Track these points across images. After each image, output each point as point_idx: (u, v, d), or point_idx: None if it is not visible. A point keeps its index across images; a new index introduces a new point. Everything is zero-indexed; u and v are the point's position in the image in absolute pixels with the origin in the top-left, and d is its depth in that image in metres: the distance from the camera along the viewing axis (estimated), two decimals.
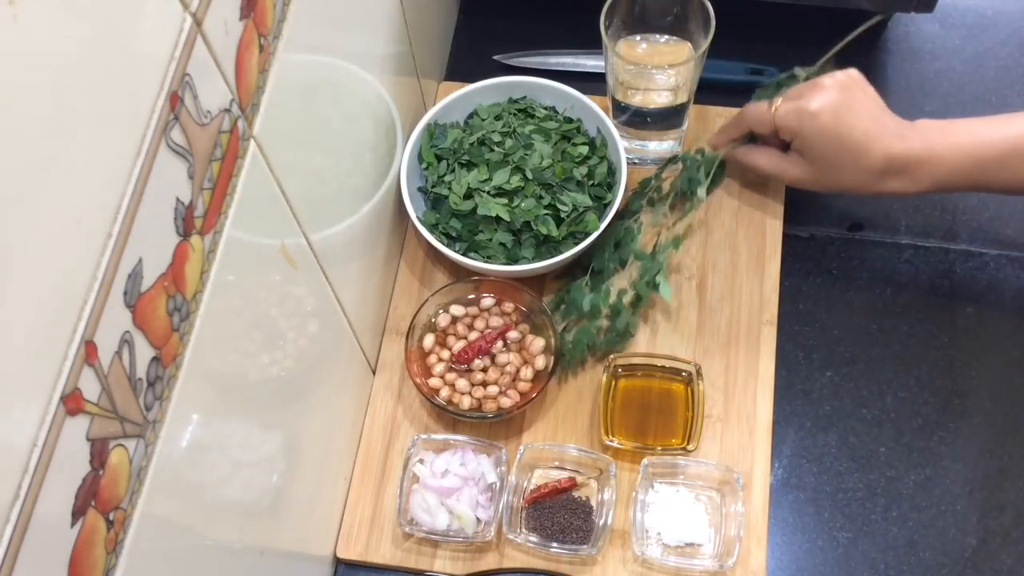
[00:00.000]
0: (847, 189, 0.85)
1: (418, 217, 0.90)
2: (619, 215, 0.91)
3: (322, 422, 0.80)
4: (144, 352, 0.48)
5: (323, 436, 0.81)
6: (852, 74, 0.84)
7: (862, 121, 0.81)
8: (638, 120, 0.93)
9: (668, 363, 0.87)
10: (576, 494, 0.84)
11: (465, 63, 1.07)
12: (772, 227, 0.94)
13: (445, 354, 0.89)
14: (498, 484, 0.83)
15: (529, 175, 0.88)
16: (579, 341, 0.88)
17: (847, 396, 0.89)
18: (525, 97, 0.95)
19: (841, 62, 1.00)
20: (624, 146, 0.91)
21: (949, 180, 0.81)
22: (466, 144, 0.91)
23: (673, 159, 0.95)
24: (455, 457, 0.84)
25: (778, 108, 0.85)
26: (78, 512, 0.44)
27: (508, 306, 0.90)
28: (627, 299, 0.89)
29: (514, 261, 0.89)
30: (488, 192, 0.89)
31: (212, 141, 0.53)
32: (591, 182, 0.90)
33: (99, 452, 0.45)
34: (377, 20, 0.82)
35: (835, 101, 0.82)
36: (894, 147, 0.81)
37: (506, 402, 0.85)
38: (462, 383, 0.87)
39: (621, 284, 0.90)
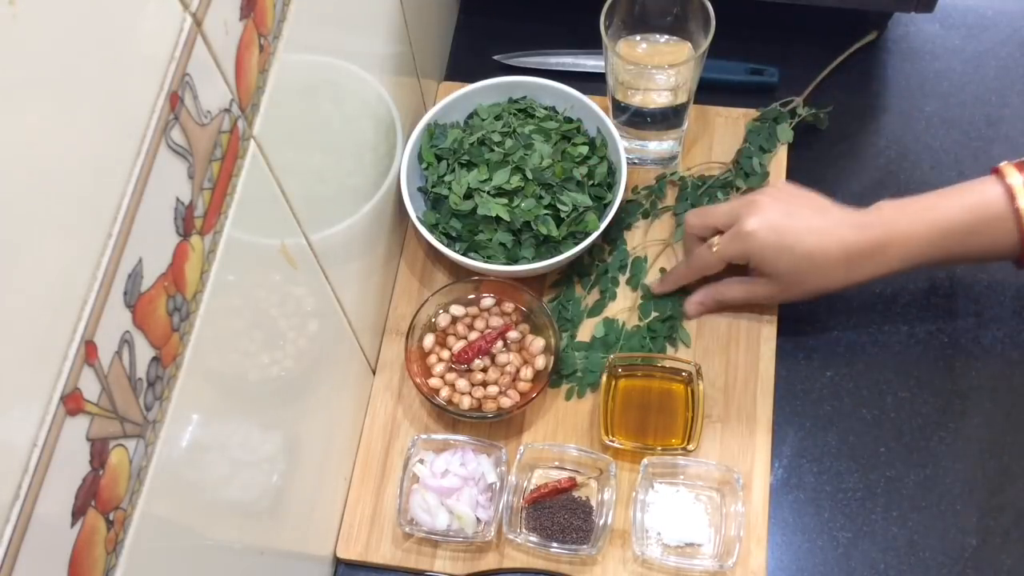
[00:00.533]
0: (822, 291, 0.82)
1: (418, 217, 0.90)
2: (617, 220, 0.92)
3: (322, 422, 0.80)
4: (144, 352, 0.48)
5: (323, 436, 0.81)
6: (781, 185, 0.85)
7: (807, 222, 0.80)
8: (638, 120, 0.93)
9: (668, 363, 0.87)
10: (576, 494, 0.84)
11: (465, 63, 1.07)
12: None
13: (445, 354, 0.89)
14: (498, 484, 0.83)
15: (529, 175, 0.88)
16: (592, 372, 0.89)
17: (847, 396, 0.89)
18: (525, 97, 0.95)
19: (843, 65, 1.01)
20: (624, 146, 0.91)
21: (920, 256, 0.79)
22: (466, 144, 0.91)
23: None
24: (455, 457, 0.84)
25: (717, 246, 0.83)
26: (78, 512, 0.44)
27: (508, 306, 0.90)
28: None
29: (514, 261, 0.89)
30: (488, 192, 0.89)
31: (212, 141, 0.53)
32: (591, 182, 0.90)
33: (99, 452, 0.45)
34: (377, 20, 0.82)
35: (770, 213, 0.80)
36: (849, 238, 0.79)
37: (506, 402, 0.85)
38: (462, 383, 0.87)
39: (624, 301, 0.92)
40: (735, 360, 0.89)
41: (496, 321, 0.89)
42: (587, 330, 0.91)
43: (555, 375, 0.88)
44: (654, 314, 0.90)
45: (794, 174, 0.97)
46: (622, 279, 0.93)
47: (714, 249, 0.84)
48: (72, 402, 0.43)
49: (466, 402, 0.86)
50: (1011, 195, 0.77)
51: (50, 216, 0.41)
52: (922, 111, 1.01)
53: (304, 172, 0.68)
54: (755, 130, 0.97)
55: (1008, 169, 0.78)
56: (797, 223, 0.80)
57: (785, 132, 0.96)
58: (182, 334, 0.52)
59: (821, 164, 0.98)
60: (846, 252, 0.79)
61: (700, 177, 0.96)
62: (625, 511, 0.83)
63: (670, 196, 0.96)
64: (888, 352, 0.90)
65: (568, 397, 0.89)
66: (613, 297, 0.92)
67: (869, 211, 0.81)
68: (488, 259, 0.89)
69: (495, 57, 1.05)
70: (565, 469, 0.85)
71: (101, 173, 0.44)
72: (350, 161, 0.79)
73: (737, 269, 0.86)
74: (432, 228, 0.90)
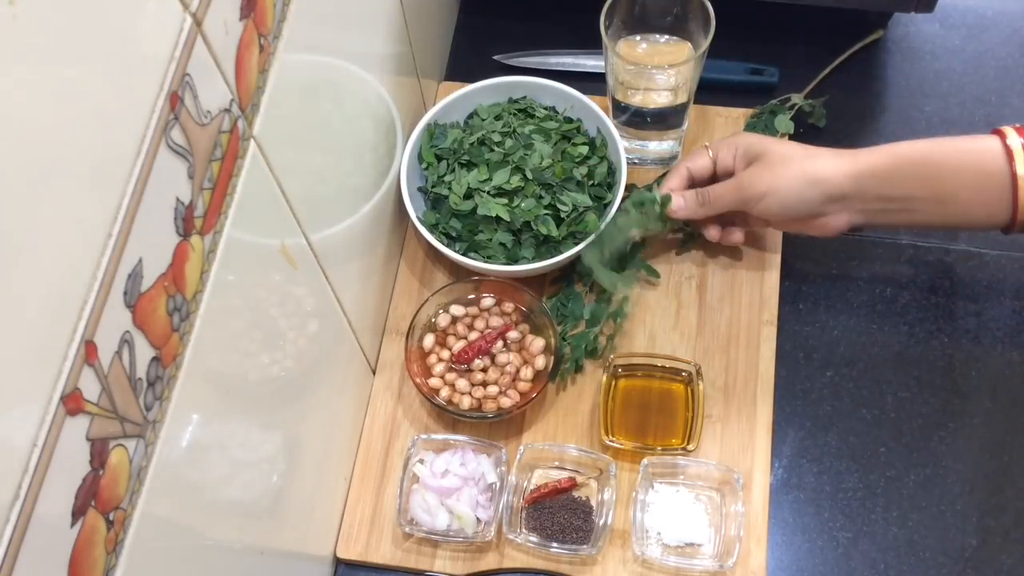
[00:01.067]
0: (806, 195, 0.81)
1: (418, 217, 0.90)
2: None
3: (322, 422, 0.80)
4: (144, 352, 0.48)
5: (323, 436, 0.81)
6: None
7: (790, 147, 0.82)
8: (638, 120, 0.93)
9: (668, 363, 0.87)
10: (576, 494, 0.84)
11: (465, 63, 1.07)
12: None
13: (445, 354, 0.89)
14: (498, 484, 0.83)
15: (529, 175, 0.88)
16: (577, 347, 0.89)
17: (847, 396, 0.89)
18: (525, 97, 0.95)
19: (843, 65, 1.01)
20: (624, 146, 0.91)
21: (894, 198, 0.79)
22: (466, 144, 0.91)
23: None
24: (455, 457, 0.84)
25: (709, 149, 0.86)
26: (78, 512, 0.44)
27: (508, 306, 0.90)
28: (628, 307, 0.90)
29: (514, 261, 0.89)
30: (488, 192, 0.89)
31: (212, 141, 0.53)
32: (591, 182, 0.90)
33: (99, 452, 0.45)
34: (377, 20, 0.82)
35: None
36: (827, 171, 0.80)
37: (506, 402, 0.85)
38: (462, 383, 0.87)
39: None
40: (735, 360, 0.89)
41: (496, 321, 0.89)
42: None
43: (555, 375, 0.88)
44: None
45: None
46: None
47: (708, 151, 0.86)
48: (72, 402, 0.43)
49: (466, 402, 0.86)
50: (1010, 156, 0.75)
51: (50, 216, 0.41)
52: (922, 111, 1.01)
53: (304, 172, 0.68)
54: (753, 125, 0.97)
55: (1008, 130, 0.77)
56: (788, 163, 0.81)
57: (784, 123, 0.96)
58: (182, 334, 0.52)
59: None
60: (821, 188, 0.79)
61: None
62: (625, 511, 0.83)
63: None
64: (888, 352, 0.90)
65: (562, 379, 0.89)
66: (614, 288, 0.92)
67: (861, 150, 0.81)
68: (488, 259, 0.89)
69: (495, 57, 1.05)
70: (565, 469, 0.85)
71: (101, 173, 0.44)
72: (350, 161, 0.79)
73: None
74: (432, 228, 0.90)
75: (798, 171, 0.80)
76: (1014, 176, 0.75)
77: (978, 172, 0.77)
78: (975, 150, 0.77)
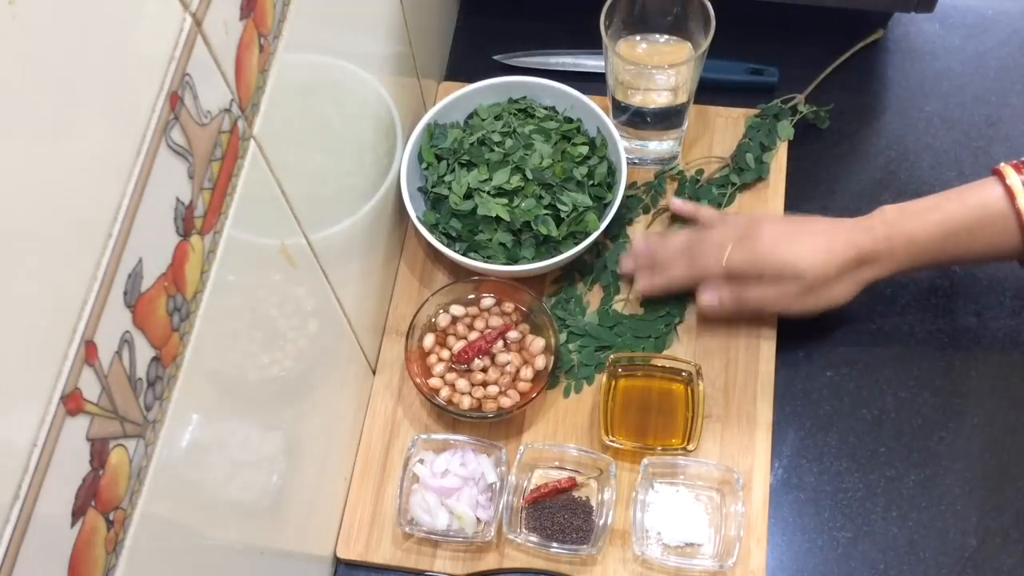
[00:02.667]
0: (833, 298, 0.82)
1: (418, 217, 0.90)
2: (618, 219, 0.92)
3: (322, 422, 0.80)
4: (144, 352, 0.48)
5: (323, 436, 0.81)
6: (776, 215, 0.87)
7: (813, 227, 0.82)
8: (638, 120, 0.93)
9: (668, 363, 0.87)
10: (576, 494, 0.84)
11: (465, 63, 1.07)
12: None
13: (445, 354, 0.89)
14: (498, 484, 0.83)
15: (529, 175, 0.88)
16: (586, 365, 0.89)
17: (847, 396, 0.89)
18: (525, 97, 0.95)
19: (843, 65, 1.01)
20: (624, 146, 0.91)
21: (924, 256, 0.80)
22: (466, 144, 0.91)
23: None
24: (455, 457, 0.84)
25: (727, 253, 0.83)
26: (78, 512, 0.44)
27: (508, 306, 0.90)
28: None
29: (514, 261, 0.89)
30: (488, 192, 0.89)
31: (212, 141, 0.53)
32: (591, 182, 0.90)
33: (99, 452, 0.45)
34: (377, 20, 0.82)
35: (777, 225, 0.83)
36: (857, 238, 0.80)
37: (506, 402, 0.85)
38: (462, 383, 0.86)
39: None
40: (735, 360, 0.89)
41: (496, 321, 0.89)
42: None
43: (555, 375, 0.88)
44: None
45: (794, 173, 0.97)
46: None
47: (725, 255, 0.83)
48: (72, 402, 0.43)
49: (466, 402, 0.86)
50: (1011, 195, 0.78)
51: (50, 216, 0.41)
52: (922, 111, 1.01)
53: (304, 172, 0.68)
54: (755, 126, 0.97)
55: (1007, 170, 0.79)
56: (804, 229, 0.82)
57: (786, 129, 0.96)
58: (182, 334, 0.52)
59: (821, 164, 0.98)
60: (857, 250, 0.80)
61: (699, 171, 0.97)
62: (625, 511, 0.83)
63: (669, 192, 0.96)
64: (888, 352, 0.90)
65: (566, 394, 0.89)
66: (617, 291, 0.92)
67: (872, 215, 0.82)
68: (488, 259, 0.89)
69: (495, 57, 1.05)
70: (565, 469, 0.85)
71: (101, 173, 0.44)
72: (350, 161, 0.79)
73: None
74: (432, 228, 0.90)
75: (849, 274, 0.82)
76: (1018, 213, 0.77)
77: (985, 220, 0.79)
78: (980, 205, 0.79)
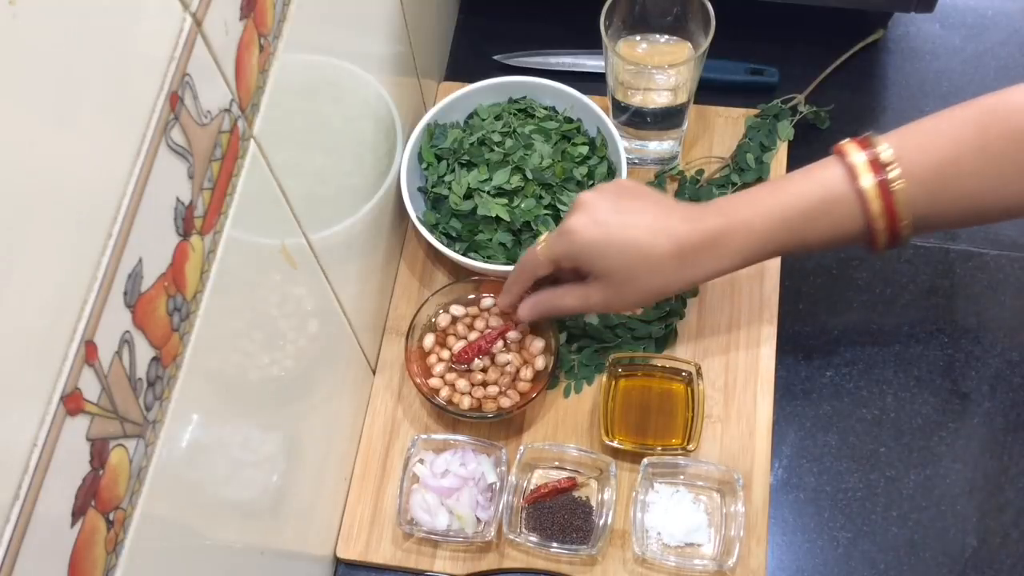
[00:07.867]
0: (657, 291, 0.76)
1: (418, 217, 0.90)
2: None
3: (322, 422, 0.80)
4: (144, 352, 0.48)
5: (323, 436, 0.81)
6: (616, 181, 0.80)
7: (635, 217, 0.74)
8: (638, 120, 0.93)
9: (668, 363, 0.87)
10: (576, 494, 0.84)
11: (465, 63, 1.07)
12: None
13: (445, 354, 0.89)
14: (498, 484, 0.83)
15: (529, 175, 0.88)
16: (586, 366, 0.89)
17: (847, 396, 0.89)
18: (525, 97, 0.95)
19: (843, 65, 1.01)
20: (624, 146, 0.91)
21: (762, 247, 0.73)
22: (466, 144, 0.91)
23: None
24: (455, 457, 0.84)
25: (543, 242, 0.78)
26: (78, 512, 0.44)
27: None
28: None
29: (514, 261, 0.89)
30: (488, 192, 0.89)
31: (212, 141, 0.53)
32: (591, 182, 0.90)
33: (99, 452, 0.45)
34: (377, 20, 0.82)
35: (596, 211, 0.74)
36: (680, 230, 0.73)
37: (506, 402, 0.85)
38: (462, 383, 0.86)
39: None
40: (735, 360, 0.89)
41: (496, 321, 0.89)
42: None
43: (554, 375, 0.88)
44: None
45: None
46: None
47: (539, 248, 0.78)
48: (72, 402, 0.43)
49: (466, 402, 0.86)
50: (853, 175, 0.70)
51: (50, 216, 0.41)
52: (922, 111, 1.00)
53: (304, 172, 0.68)
54: (756, 126, 0.97)
55: (849, 147, 0.71)
56: (625, 218, 0.74)
57: (786, 130, 0.96)
58: (182, 334, 0.52)
59: None
60: (678, 245, 0.73)
61: (699, 171, 0.97)
62: (625, 511, 0.83)
63: (669, 191, 0.96)
64: (888, 352, 0.90)
65: (566, 394, 0.89)
66: None
67: (705, 204, 0.76)
68: (488, 259, 0.89)
69: (495, 57, 1.05)
70: (565, 469, 0.85)
71: (101, 173, 0.44)
72: (350, 161, 0.79)
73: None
74: (432, 228, 0.90)
75: (671, 270, 0.74)
76: (860, 194, 0.70)
77: (826, 204, 0.72)
78: (819, 187, 0.72)
